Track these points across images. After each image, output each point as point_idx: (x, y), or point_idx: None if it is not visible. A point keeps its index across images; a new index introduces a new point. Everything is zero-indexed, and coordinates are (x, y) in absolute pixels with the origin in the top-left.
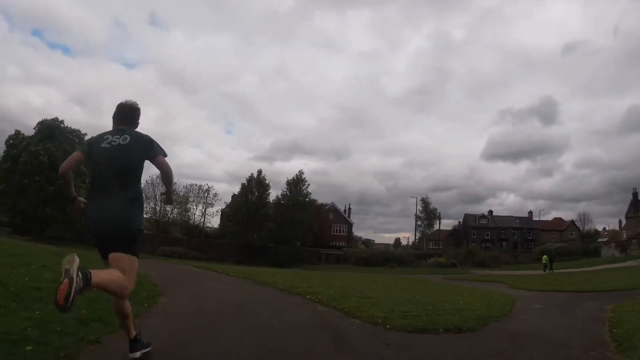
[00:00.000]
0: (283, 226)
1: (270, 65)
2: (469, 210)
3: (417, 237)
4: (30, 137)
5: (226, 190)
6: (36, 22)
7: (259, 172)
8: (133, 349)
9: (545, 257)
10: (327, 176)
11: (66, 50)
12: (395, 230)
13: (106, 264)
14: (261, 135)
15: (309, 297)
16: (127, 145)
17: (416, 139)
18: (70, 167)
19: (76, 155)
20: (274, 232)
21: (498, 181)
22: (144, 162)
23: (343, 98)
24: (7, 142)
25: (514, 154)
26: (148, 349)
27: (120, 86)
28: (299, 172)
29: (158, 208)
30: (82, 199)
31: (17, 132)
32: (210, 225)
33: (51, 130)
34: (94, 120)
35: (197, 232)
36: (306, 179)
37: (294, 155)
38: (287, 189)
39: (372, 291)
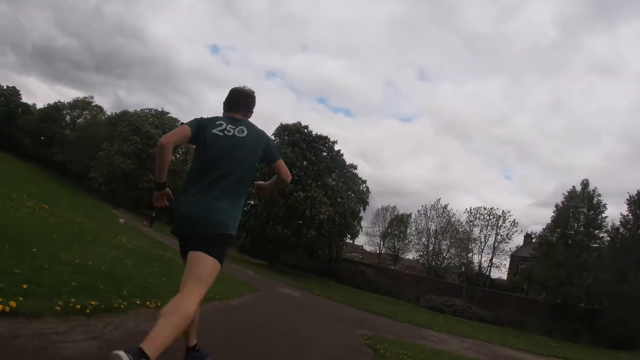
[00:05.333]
0: (624, 276)
1: (543, 102)
2: None
3: None
4: None
5: None
6: (320, 93)
7: (585, 183)
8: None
9: None
10: None
11: (347, 113)
12: None
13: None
14: (541, 178)
15: None
16: (244, 140)
17: None
18: (173, 141)
19: (183, 129)
20: (606, 286)
21: None
22: (257, 162)
23: (630, 127)
24: None
25: None
26: None
27: (398, 138)
28: None
29: (431, 247)
30: (170, 192)
31: None
32: (502, 270)
33: (291, 133)
34: (376, 171)
35: (481, 280)
36: None
37: None
38: (628, 210)
39: None
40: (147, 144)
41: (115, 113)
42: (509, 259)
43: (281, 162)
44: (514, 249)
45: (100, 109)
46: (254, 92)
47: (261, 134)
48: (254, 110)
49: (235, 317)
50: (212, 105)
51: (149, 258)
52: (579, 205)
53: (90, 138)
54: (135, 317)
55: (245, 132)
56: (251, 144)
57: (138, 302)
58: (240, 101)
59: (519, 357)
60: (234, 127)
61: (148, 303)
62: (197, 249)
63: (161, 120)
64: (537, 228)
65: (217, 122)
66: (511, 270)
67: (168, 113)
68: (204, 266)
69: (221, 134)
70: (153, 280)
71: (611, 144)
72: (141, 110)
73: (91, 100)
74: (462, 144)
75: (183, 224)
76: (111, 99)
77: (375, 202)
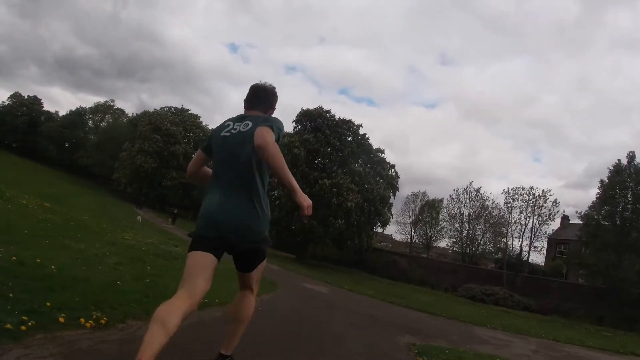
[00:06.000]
0: None
1: (570, 80)
2: None
3: None
4: (289, 134)
5: None
6: (342, 84)
7: (631, 155)
8: None
9: None
10: None
11: (370, 102)
12: None
13: (203, 255)
14: (571, 160)
15: None
16: (248, 133)
17: None
18: (194, 171)
19: (198, 154)
20: None
21: None
22: None
23: None
24: None
25: None
26: None
27: (423, 126)
28: None
29: (465, 233)
30: None
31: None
32: (542, 254)
33: (313, 118)
34: (402, 159)
35: (519, 266)
36: None
37: None
38: None
39: None
40: (168, 141)
41: (136, 114)
42: (546, 242)
43: (261, 127)
44: (551, 232)
45: (122, 111)
46: (274, 88)
47: (262, 116)
48: (275, 106)
49: None
50: (234, 104)
51: (147, 255)
52: (626, 180)
53: (113, 140)
54: (31, 349)
55: (250, 124)
56: (253, 132)
57: (62, 319)
58: (260, 97)
59: (597, 357)
60: (240, 123)
61: (82, 320)
62: (244, 268)
63: (181, 118)
64: (570, 210)
65: (225, 124)
66: (549, 255)
67: (188, 110)
68: (256, 274)
69: (228, 134)
70: (126, 284)
71: None
72: (161, 108)
73: (112, 103)
74: (488, 127)
75: (205, 225)
76: (135, 103)
77: (404, 190)
